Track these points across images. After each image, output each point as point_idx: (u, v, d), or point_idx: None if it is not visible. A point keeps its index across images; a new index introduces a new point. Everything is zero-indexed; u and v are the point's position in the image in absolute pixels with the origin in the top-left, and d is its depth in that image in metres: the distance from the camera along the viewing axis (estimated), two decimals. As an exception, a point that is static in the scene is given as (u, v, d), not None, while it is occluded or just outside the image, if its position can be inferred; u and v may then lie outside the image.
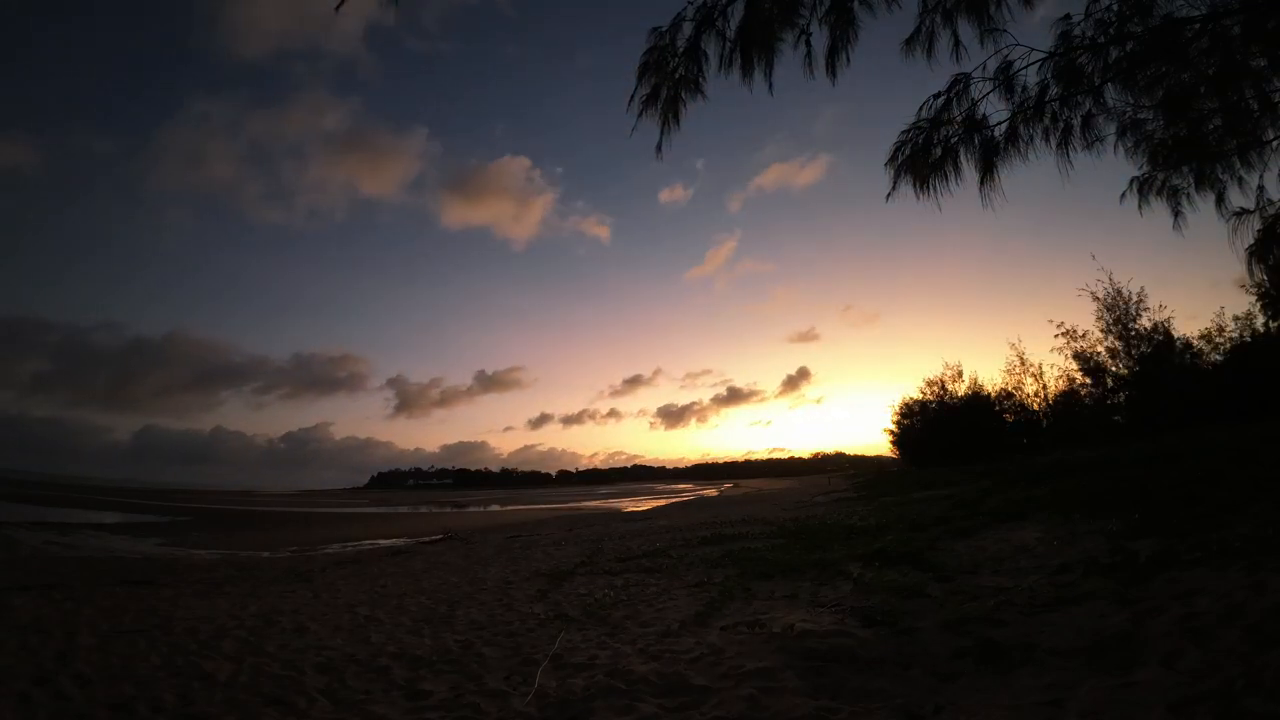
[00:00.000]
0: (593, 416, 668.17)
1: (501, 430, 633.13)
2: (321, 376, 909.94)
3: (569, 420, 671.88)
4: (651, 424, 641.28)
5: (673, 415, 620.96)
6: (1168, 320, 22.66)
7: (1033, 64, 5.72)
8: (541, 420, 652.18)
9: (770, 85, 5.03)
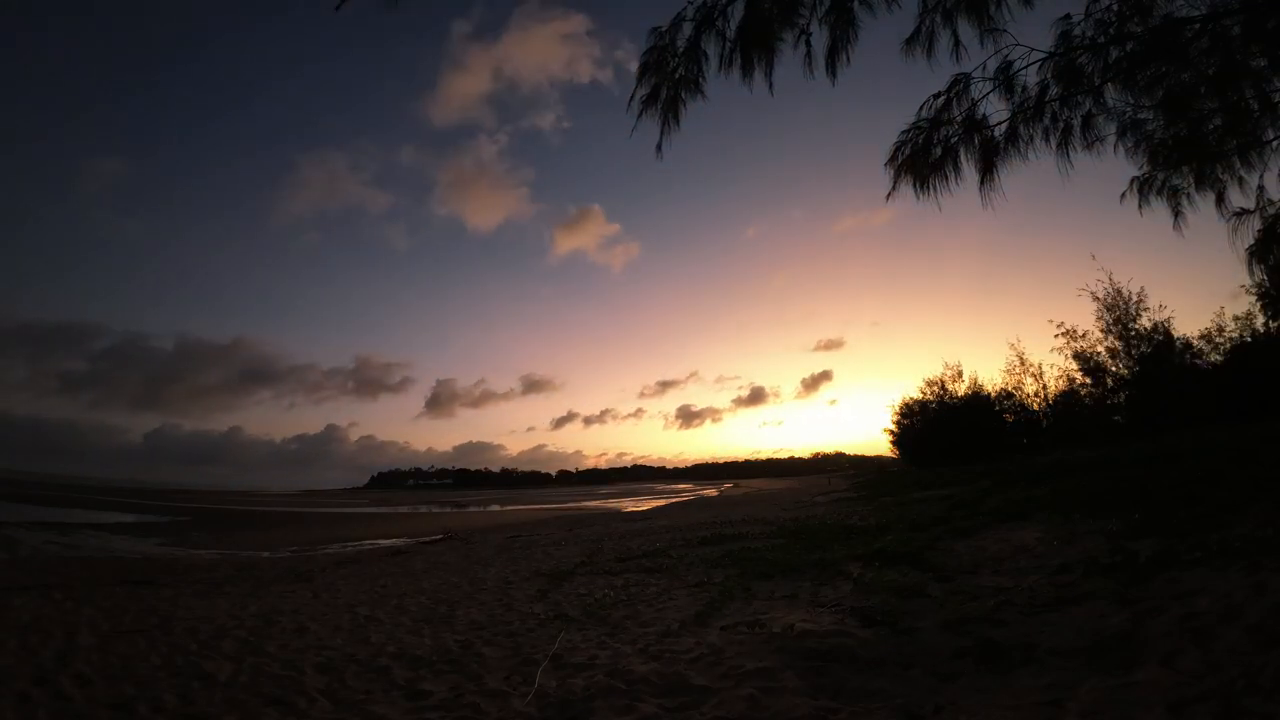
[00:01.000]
0: (615, 416, 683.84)
1: (524, 430, 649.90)
2: (369, 380, 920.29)
3: (590, 420, 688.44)
4: (667, 423, 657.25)
5: (689, 415, 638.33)
6: (1168, 320, 22.69)
7: (1033, 64, 5.72)
8: (564, 420, 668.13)
9: (770, 85, 5.04)
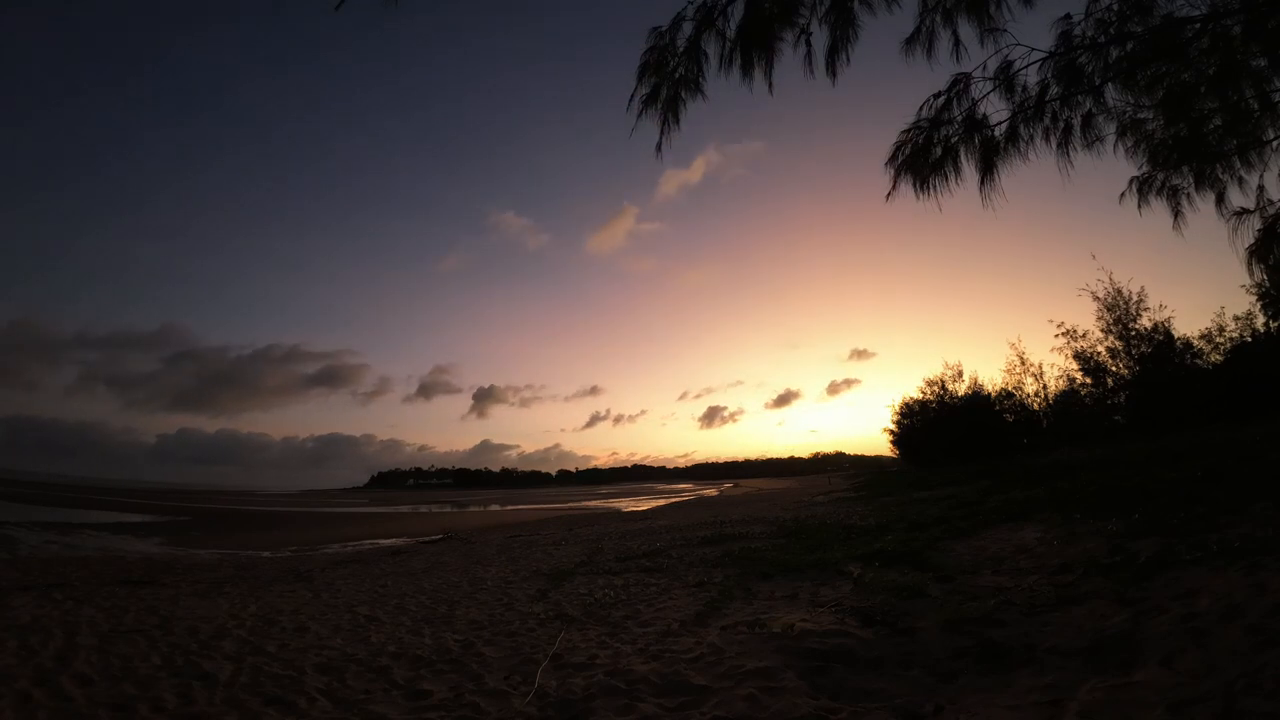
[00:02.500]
0: (646, 417, 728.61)
1: (559, 430, 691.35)
2: (425, 383, 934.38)
3: (620, 420, 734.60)
4: (694, 424, 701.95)
5: (710, 416, 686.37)
6: (1168, 320, 22.65)
7: (1033, 64, 5.71)
8: (594, 420, 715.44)
9: (770, 85, 5.03)
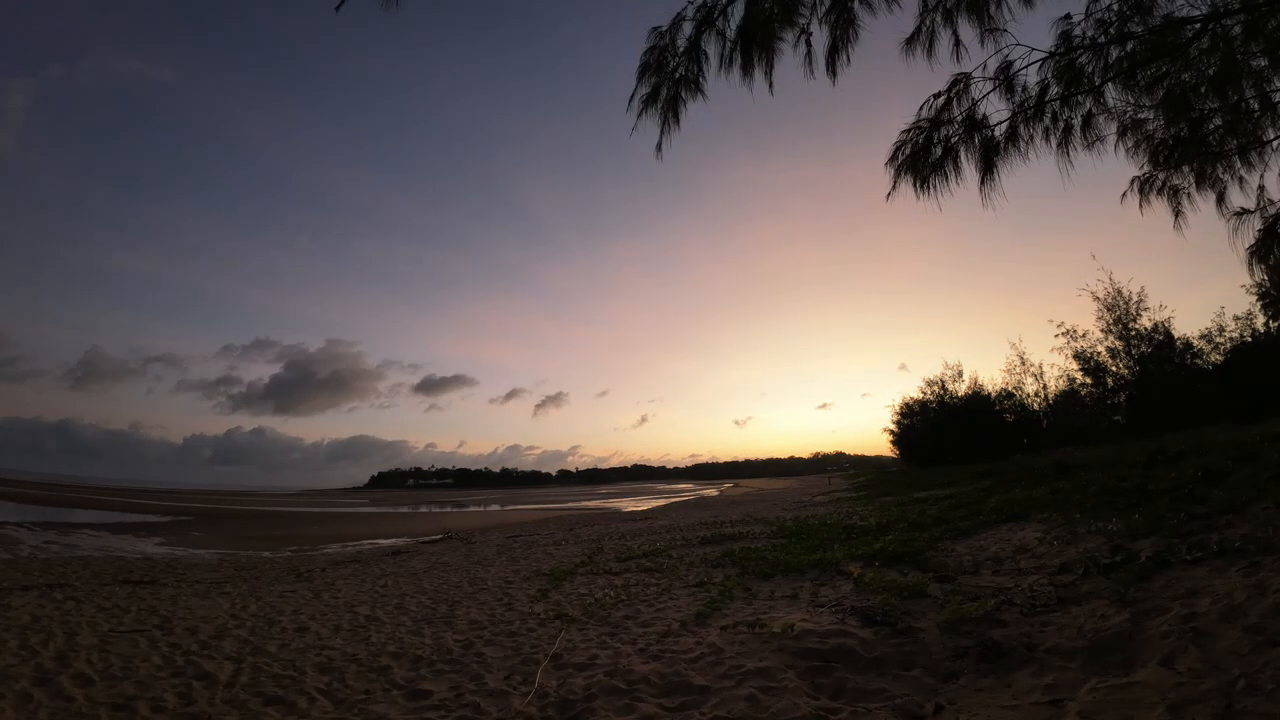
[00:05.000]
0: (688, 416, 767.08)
1: (608, 431, 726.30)
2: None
3: (663, 420, 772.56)
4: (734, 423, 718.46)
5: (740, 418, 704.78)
6: (1168, 320, 22.67)
7: (1033, 64, 5.70)
8: (642, 421, 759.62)
9: (770, 85, 5.03)
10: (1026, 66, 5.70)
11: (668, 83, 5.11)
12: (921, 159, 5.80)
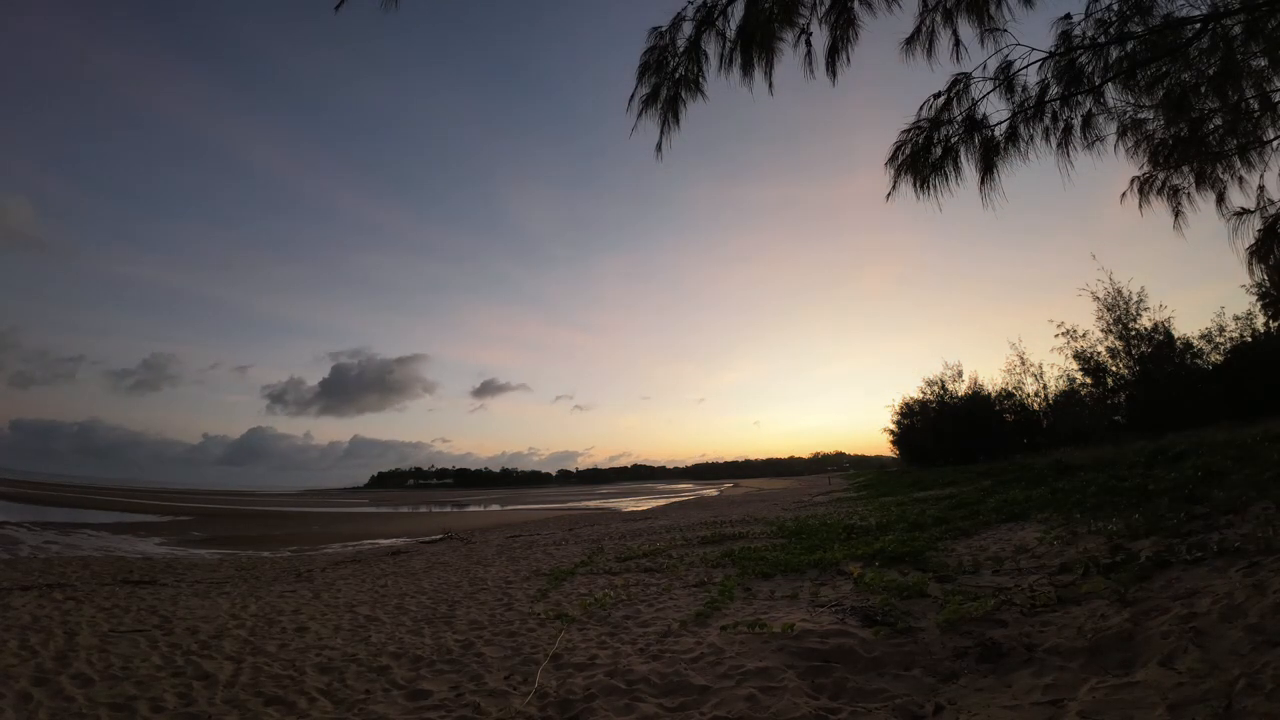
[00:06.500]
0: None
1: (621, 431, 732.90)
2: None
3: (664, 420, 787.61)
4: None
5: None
6: (1168, 320, 22.67)
7: (1033, 64, 5.71)
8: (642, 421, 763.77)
9: (770, 85, 5.03)
10: (1026, 66, 5.71)
11: (668, 83, 5.12)
12: (921, 159, 5.80)
